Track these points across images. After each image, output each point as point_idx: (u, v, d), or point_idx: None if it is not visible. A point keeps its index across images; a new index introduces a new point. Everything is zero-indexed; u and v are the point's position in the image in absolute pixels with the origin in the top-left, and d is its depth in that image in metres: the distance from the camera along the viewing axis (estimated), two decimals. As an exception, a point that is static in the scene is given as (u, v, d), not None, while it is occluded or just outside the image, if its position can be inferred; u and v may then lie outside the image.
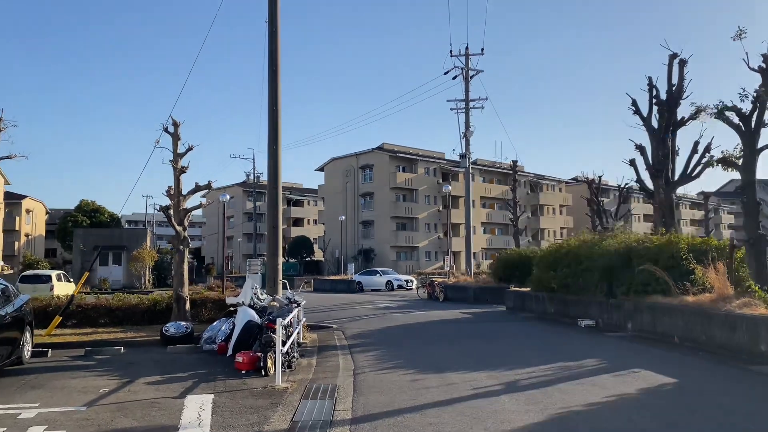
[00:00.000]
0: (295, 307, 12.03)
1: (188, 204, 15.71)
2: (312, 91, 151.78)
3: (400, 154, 61.74)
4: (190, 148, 15.66)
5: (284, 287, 14.45)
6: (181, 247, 15.25)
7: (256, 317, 11.91)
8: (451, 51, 30.32)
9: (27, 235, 67.91)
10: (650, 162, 19.04)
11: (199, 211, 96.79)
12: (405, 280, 40.18)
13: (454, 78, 30.83)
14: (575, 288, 16.18)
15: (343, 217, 54.44)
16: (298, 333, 12.46)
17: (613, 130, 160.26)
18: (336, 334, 15.04)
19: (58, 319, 13.68)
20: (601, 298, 14.86)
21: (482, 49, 29.99)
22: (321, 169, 68.45)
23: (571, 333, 14.09)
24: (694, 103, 17.82)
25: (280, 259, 15.12)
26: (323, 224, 68.57)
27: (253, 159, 72.73)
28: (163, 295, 16.72)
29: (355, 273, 42.63)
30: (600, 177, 37.54)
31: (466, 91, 30.49)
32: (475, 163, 67.64)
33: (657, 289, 12.71)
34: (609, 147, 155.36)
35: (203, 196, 15.83)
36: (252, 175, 66.41)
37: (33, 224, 68.74)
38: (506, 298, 21.80)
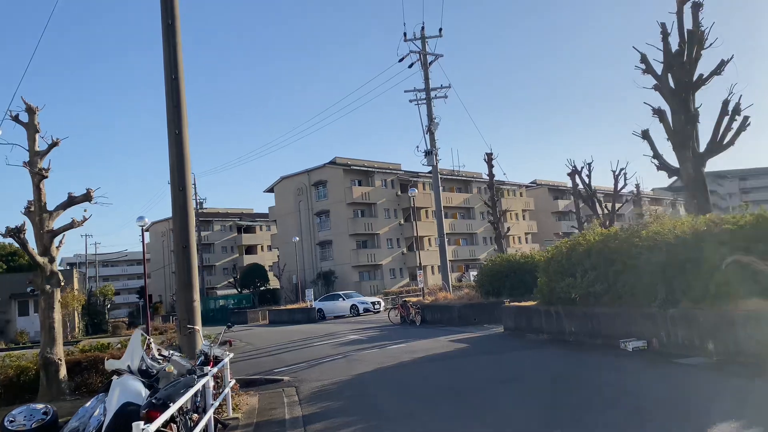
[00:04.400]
0: (209, 371, 7.37)
1: (58, 223, 10.83)
2: (252, 104, 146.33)
3: (354, 167, 57.40)
4: (54, 144, 10.84)
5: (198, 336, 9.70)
6: (48, 286, 10.35)
7: (141, 393, 7.19)
8: (405, 34, 26.26)
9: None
10: (672, 128, 15.14)
11: (139, 247, 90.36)
12: (371, 303, 35.56)
13: (411, 66, 26.79)
14: (609, 297, 11.96)
15: (297, 238, 49.50)
16: (217, 410, 7.81)
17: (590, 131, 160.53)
18: (286, 394, 10.40)
19: None
20: (653, 309, 10.65)
21: (440, 30, 26.06)
22: (270, 189, 63.43)
23: (626, 363, 9.77)
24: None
25: (197, 293, 10.37)
26: (277, 249, 63.38)
27: (194, 185, 66.70)
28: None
29: (315, 299, 37.86)
30: (590, 164, 33.69)
31: (426, 78, 26.40)
32: (431, 173, 64.04)
33: (754, 290, 8.55)
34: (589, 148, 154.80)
35: (82, 221, 10.90)
36: (194, 201, 60.82)
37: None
38: (503, 316, 17.47)
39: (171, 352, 8.68)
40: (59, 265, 10.81)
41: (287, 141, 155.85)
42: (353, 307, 34.84)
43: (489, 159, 33.92)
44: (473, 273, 40.12)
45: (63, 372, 10.34)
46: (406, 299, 26.17)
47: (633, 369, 9.27)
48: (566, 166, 35.04)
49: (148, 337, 8.44)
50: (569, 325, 13.67)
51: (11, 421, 8.35)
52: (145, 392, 7.43)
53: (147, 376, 8.02)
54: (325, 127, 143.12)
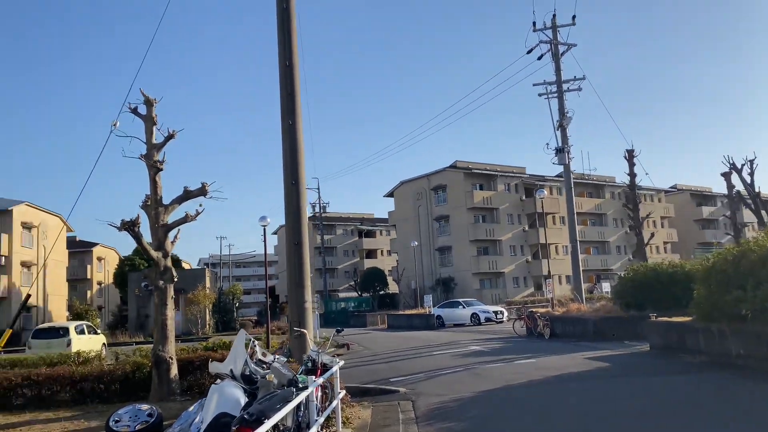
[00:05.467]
0: (313, 382, 6.45)
1: (173, 217, 10.57)
2: (372, 108, 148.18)
3: (475, 171, 55.70)
4: (170, 136, 10.61)
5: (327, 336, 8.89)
6: (161, 282, 10.07)
7: (240, 402, 6.46)
8: (534, 24, 24.47)
9: (99, 284, 66.53)
10: None
11: (270, 249, 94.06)
12: (494, 312, 33.76)
13: (540, 57, 24.89)
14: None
15: (416, 243, 48.62)
16: (325, 422, 6.90)
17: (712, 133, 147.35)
18: (402, 409, 9.33)
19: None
20: None
21: (573, 18, 24.00)
22: (390, 194, 63.36)
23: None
24: None
25: (309, 293, 9.61)
26: (396, 254, 63.10)
27: (318, 189, 68.29)
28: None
29: (434, 305, 36.73)
30: (752, 161, 29.35)
31: (557, 70, 24.39)
32: (559, 176, 60.65)
33: None
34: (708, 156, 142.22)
35: (196, 215, 10.54)
36: (318, 206, 62.15)
37: (105, 272, 67.24)
38: (648, 332, 15.29)
39: (276, 357, 7.92)
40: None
41: (406, 144, 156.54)
42: (474, 315, 33.29)
43: (630, 156, 30.70)
44: (605, 284, 37.06)
45: (174, 371, 10.00)
46: (533, 310, 24.27)
47: None
48: (723, 164, 30.55)
49: (252, 340, 7.75)
50: (736, 346, 11.43)
51: (117, 422, 8.00)
52: (244, 400, 6.68)
53: (250, 382, 7.29)
54: (444, 129, 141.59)
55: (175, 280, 10.34)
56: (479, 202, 54.42)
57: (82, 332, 23.16)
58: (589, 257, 58.55)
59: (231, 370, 7.37)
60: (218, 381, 7.61)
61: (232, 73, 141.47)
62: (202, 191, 10.62)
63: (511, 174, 58.29)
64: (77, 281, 60.66)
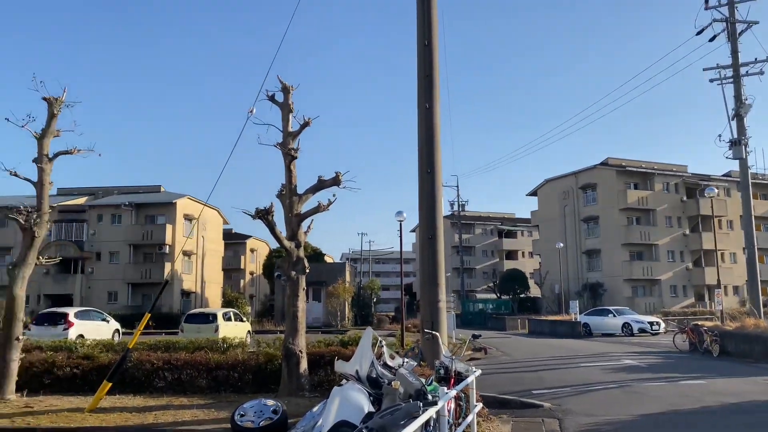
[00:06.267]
0: (445, 395, 5.59)
1: (305, 207, 10.25)
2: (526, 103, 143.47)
3: (629, 169, 51.48)
4: (306, 123, 10.30)
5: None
6: (293, 273, 9.78)
7: (364, 408, 5.82)
8: (706, 1, 21.56)
9: (251, 273, 70.86)
10: None
11: (409, 247, 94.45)
12: (648, 323, 30.69)
13: (712, 39, 21.84)
14: None
15: (561, 244, 45.83)
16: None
17: None
18: (547, 428, 8.24)
19: (105, 386, 8.97)
20: None
21: (754, -11, 20.76)
22: (533, 193, 60.65)
23: None
24: None
25: (443, 292, 8.79)
26: (538, 255, 60.30)
27: (457, 186, 67.22)
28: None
29: (580, 312, 34.28)
30: None
31: (734, 52, 21.19)
32: (728, 175, 54.22)
33: None
34: None
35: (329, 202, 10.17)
36: (456, 203, 61.19)
37: (257, 263, 71.53)
38: None
39: (405, 360, 7.18)
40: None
41: (551, 140, 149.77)
42: (626, 325, 30.49)
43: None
44: (786, 297, 32.29)
45: (304, 365, 9.67)
46: (698, 323, 21.50)
47: None
48: None
49: (380, 340, 7.10)
50: None
51: (242, 416, 7.73)
52: (368, 407, 6.00)
53: (376, 385, 6.62)
54: (592, 123, 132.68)
55: (307, 271, 10.01)
56: (633, 203, 50.24)
57: (229, 319, 24.25)
58: (763, 266, 51.75)
59: (356, 371, 6.75)
60: (344, 381, 7.07)
61: (368, 58, 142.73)
62: (335, 181, 10.19)
63: (670, 173, 53.19)
64: (231, 270, 64.94)
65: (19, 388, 9.98)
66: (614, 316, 31.72)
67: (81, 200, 49.60)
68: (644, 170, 51.82)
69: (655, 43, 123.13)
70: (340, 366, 6.99)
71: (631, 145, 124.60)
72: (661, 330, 30.06)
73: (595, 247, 51.99)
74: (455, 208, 61.73)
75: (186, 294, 48.94)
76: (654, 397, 10.45)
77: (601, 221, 51.49)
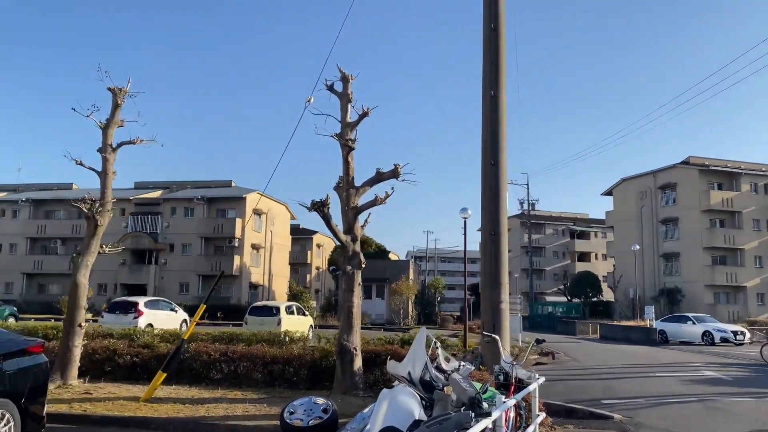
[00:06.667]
0: (503, 404, 5.09)
1: (362, 200, 9.93)
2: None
3: (713, 168, 48.50)
4: (365, 114, 9.97)
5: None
6: (349, 267, 9.48)
7: (414, 413, 5.41)
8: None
9: (317, 268, 71.80)
10: None
11: (475, 246, 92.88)
12: (732, 332, 28.64)
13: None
14: None
15: (637, 247, 43.66)
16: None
17: None
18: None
19: (160, 377, 8.96)
20: None
21: None
22: (608, 192, 58.20)
23: None
24: None
25: (505, 293, 8.24)
26: (612, 258, 57.83)
27: (527, 185, 65.24)
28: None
29: (656, 319, 32.50)
30: None
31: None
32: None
33: None
34: None
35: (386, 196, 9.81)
36: (526, 202, 59.57)
37: (323, 258, 72.40)
38: None
39: (462, 363, 6.71)
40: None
41: (627, 138, 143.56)
42: (706, 333, 28.59)
43: None
44: None
45: (358, 363, 9.35)
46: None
47: None
48: None
49: (435, 340, 6.66)
50: None
51: (291, 413, 7.46)
52: (418, 412, 5.58)
53: (429, 389, 6.15)
54: (671, 120, 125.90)
55: (363, 266, 9.69)
56: (717, 204, 47.29)
57: (291, 313, 24.36)
58: None
59: (408, 373, 6.32)
60: (395, 383, 6.69)
61: (433, 49, 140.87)
62: (394, 173, 9.80)
63: (759, 172, 49.75)
64: (298, 265, 65.95)
65: (82, 374, 10.16)
66: (694, 323, 29.83)
67: (156, 194, 51.54)
68: (729, 170, 48.72)
69: (741, 33, 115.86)
70: (392, 367, 6.57)
71: (713, 142, 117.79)
72: (746, 340, 28.02)
73: (673, 250, 49.32)
74: (525, 206, 60.11)
75: (254, 287, 49.97)
76: (739, 414, 9.49)
77: (681, 223, 48.79)
